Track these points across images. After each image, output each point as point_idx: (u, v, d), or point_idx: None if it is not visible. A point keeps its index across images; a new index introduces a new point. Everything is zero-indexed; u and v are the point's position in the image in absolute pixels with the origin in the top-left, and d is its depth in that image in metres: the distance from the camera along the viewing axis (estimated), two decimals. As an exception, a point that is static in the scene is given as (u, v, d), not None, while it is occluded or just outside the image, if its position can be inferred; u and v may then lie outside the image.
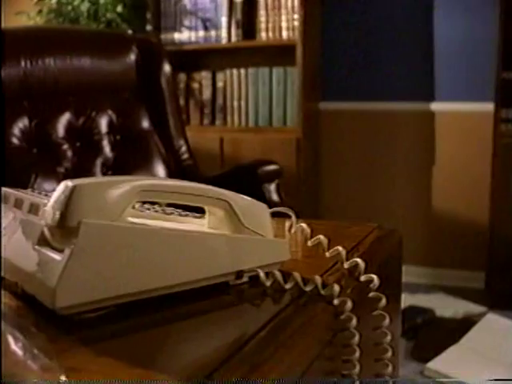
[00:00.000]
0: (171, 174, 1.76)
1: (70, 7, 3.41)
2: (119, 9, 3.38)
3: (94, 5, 3.40)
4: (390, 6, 3.34)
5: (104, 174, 1.70)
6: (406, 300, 2.80)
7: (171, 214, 0.65)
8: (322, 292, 0.58)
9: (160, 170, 1.75)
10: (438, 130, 3.32)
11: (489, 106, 3.05)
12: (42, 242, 0.53)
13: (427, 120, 3.33)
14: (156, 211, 0.67)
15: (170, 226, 0.57)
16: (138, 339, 0.49)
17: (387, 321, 0.61)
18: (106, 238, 0.50)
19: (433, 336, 2.58)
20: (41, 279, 0.50)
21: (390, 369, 0.65)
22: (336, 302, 0.57)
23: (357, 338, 0.56)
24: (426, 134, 3.34)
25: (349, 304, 0.56)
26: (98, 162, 1.71)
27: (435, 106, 3.31)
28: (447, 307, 2.90)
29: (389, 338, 0.63)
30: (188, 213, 0.69)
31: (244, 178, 1.75)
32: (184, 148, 1.82)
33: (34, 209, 0.58)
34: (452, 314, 2.79)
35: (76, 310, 0.49)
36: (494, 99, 2.99)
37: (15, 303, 0.54)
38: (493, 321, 2.61)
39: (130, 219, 0.57)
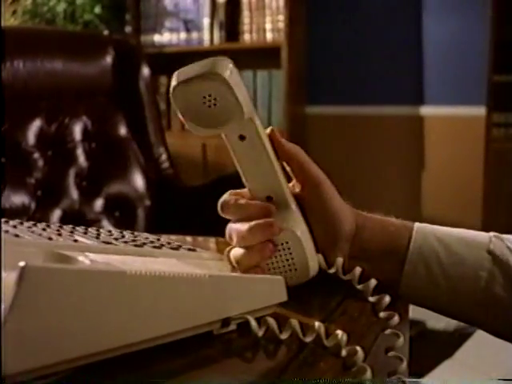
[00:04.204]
0: (150, 184, 1.67)
1: (45, 8, 3.32)
2: (97, 10, 3.31)
3: (70, 5, 3.30)
4: (378, 7, 3.27)
5: (78, 184, 1.60)
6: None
7: (143, 245, 0.54)
8: (326, 343, 0.48)
9: (138, 179, 1.66)
10: (427, 135, 3.25)
11: (480, 110, 2.98)
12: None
13: (417, 124, 3.26)
14: (125, 242, 0.56)
15: (139, 266, 0.46)
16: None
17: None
18: (56, 285, 0.40)
19: (425, 350, 2.49)
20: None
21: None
22: (344, 353, 0.48)
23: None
24: (415, 139, 3.27)
25: (360, 354, 0.47)
26: (72, 171, 1.61)
27: (425, 110, 3.24)
28: (438, 318, 2.81)
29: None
30: (163, 242, 0.59)
31: (228, 189, 1.66)
32: (164, 156, 1.73)
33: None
34: (444, 325, 2.71)
35: (22, 379, 0.39)
36: (485, 103, 2.93)
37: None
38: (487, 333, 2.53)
39: (90, 256, 0.46)
